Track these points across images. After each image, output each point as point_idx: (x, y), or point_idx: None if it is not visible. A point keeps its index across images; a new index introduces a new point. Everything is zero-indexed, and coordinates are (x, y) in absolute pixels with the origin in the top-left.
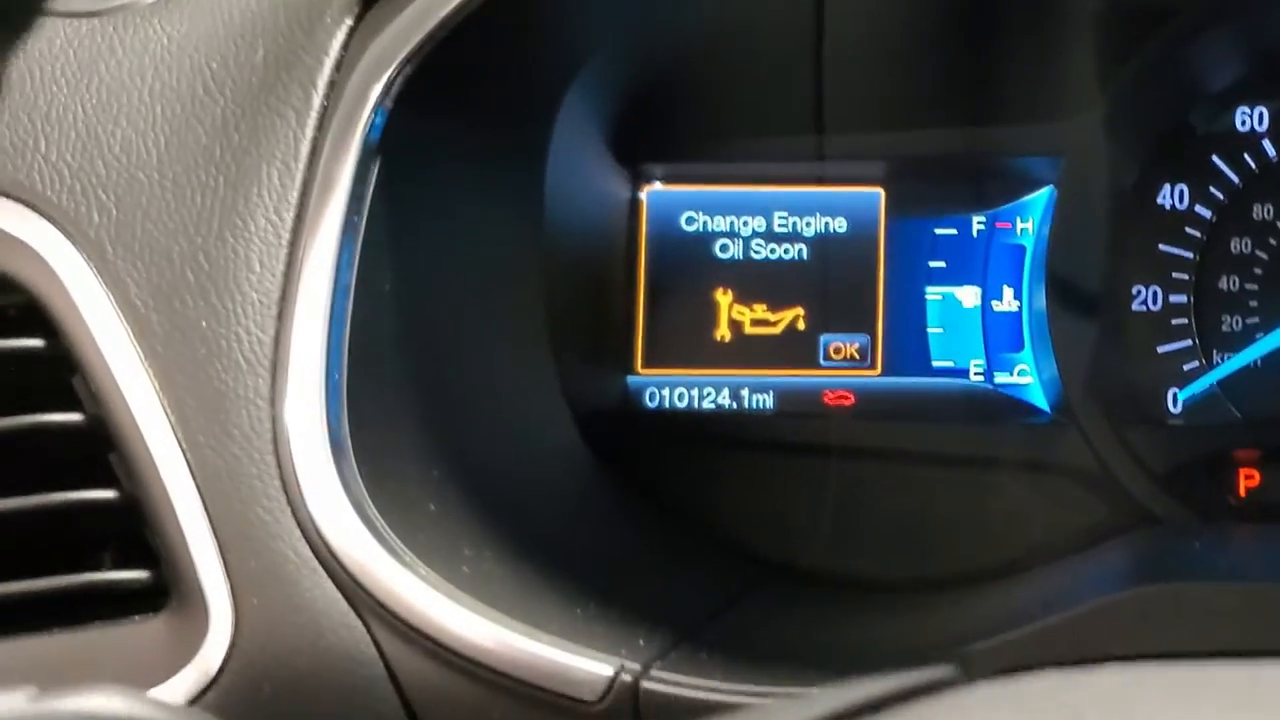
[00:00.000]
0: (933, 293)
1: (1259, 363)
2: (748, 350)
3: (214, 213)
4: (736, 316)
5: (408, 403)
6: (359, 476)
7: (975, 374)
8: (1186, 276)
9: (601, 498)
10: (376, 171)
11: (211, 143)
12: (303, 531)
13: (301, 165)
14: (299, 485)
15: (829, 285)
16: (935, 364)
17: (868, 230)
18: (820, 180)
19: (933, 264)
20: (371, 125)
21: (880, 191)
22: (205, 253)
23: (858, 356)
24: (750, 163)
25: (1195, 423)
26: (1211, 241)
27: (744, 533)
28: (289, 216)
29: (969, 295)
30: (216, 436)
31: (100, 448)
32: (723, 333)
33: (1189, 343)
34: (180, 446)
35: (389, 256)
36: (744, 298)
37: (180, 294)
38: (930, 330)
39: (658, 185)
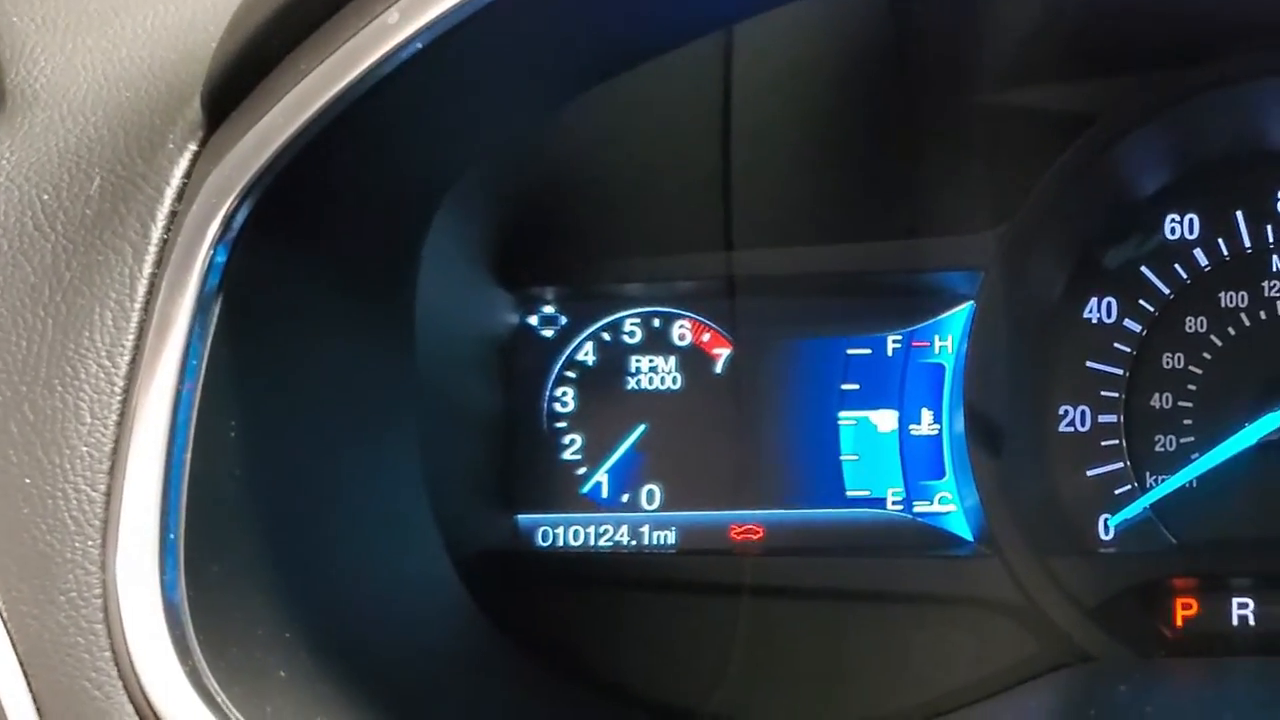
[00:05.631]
0: (846, 417)
1: (1194, 483)
2: None
3: (41, 359)
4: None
5: (256, 560)
6: (198, 645)
7: (893, 503)
8: (1116, 394)
9: (485, 650)
10: (218, 310)
11: (40, 282)
12: (134, 707)
13: (138, 306)
14: (130, 656)
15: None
16: (850, 493)
17: (776, 351)
18: (728, 299)
19: (845, 386)
20: (211, 262)
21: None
22: (31, 403)
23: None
24: (651, 283)
25: (1128, 550)
26: (1142, 357)
27: (645, 680)
28: (123, 362)
29: (885, 419)
30: (40, 604)
31: None
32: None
33: (1120, 465)
34: (1, 616)
35: (233, 401)
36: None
37: (3, 448)
38: (844, 457)
39: (547, 309)
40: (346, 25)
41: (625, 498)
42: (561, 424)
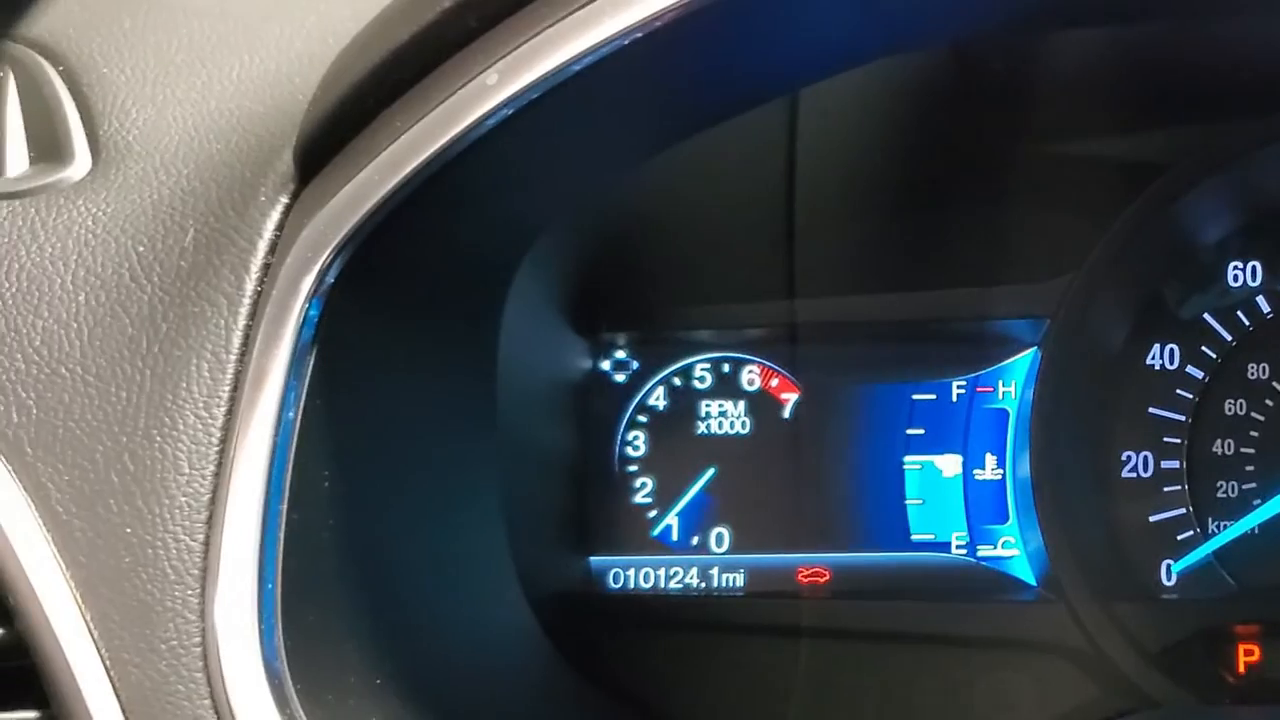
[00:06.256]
0: (911, 462)
1: (1256, 530)
2: None
3: (140, 409)
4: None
5: (349, 607)
6: (295, 695)
7: (957, 547)
8: (1179, 440)
9: (560, 688)
10: (313, 362)
11: (138, 333)
12: None
13: (233, 357)
14: (230, 705)
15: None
16: (915, 537)
17: (842, 396)
18: (795, 345)
19: (910, 431)
20: (305, 315)
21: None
22: (131, 453)
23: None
24: (721, 330)
25: (1190, 596)
26: (1204, 403)
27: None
28: (220, 413)
29: (950, 464)
30: (142, 653)
31: (22, 664)
32: None
33: (1182, 511)
34: (103, 663)
35: (327, 451)
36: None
37: (104, 498)
38: (909, 501)
39: (620, 355)
40: (444, 84)
41: (695, 540)
42: (633, 467)
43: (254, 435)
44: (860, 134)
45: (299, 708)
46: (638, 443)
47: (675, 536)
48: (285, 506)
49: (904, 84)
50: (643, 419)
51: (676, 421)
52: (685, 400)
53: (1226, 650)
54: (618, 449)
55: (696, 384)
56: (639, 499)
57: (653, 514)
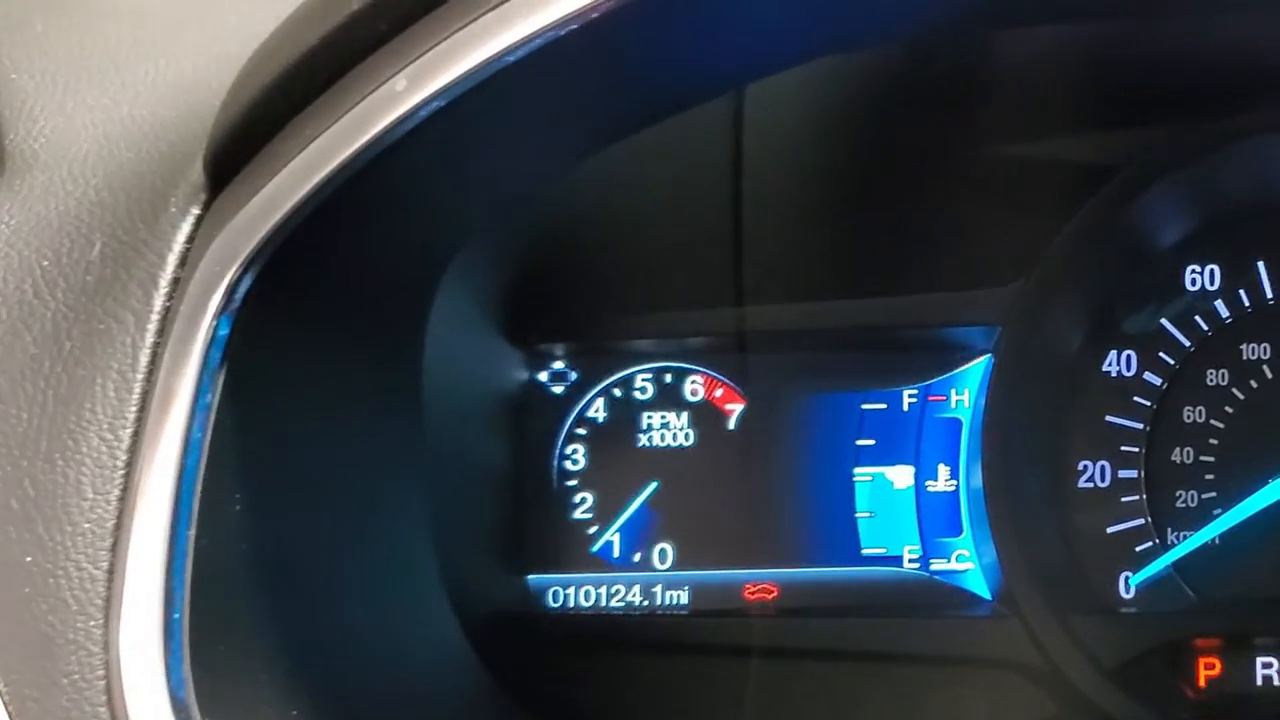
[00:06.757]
0: (861, 473)
1: (1217, 540)
2: None
3: (42, 432)
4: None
5: (262, 638)
6: None
7: (910, 561)
8: (1136, 449)
9: (496, 714)
10: (223, 380)
11: (40, 352)
12: None
13: (140, 377)
14: None
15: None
16: (865, 551)
17: (790, 407)
18: (740, 355)
19: (860, 442)
20: (215, 333)
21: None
22: (31, 477)
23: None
24: (663, 339)
25: (1149, 609)
26: (1162, 411)
27: None
28: (125, 435)
29: (901, 475)
30: (43, 687)
31: None
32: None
33: (1141, 521)
34: (2, 698)
35: (238, 474)
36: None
37: (2, 525)
38: (859, 515)
39: (557, 365)
40: (353, 90)
41: (637, 557)
42: (572, 482)
43: (160, 458)
44: (809, 134)
45: None
46: (577, 456)
47: (616, 553)
48: (194, 532)
49: (854, 83)
50: (582, 431)
51: (617, 434)
52: (626, 412)
53: (1187, 664)
54: (556, 463)
55: (637, 395)
56: (578, 514)
57: (593, 530)
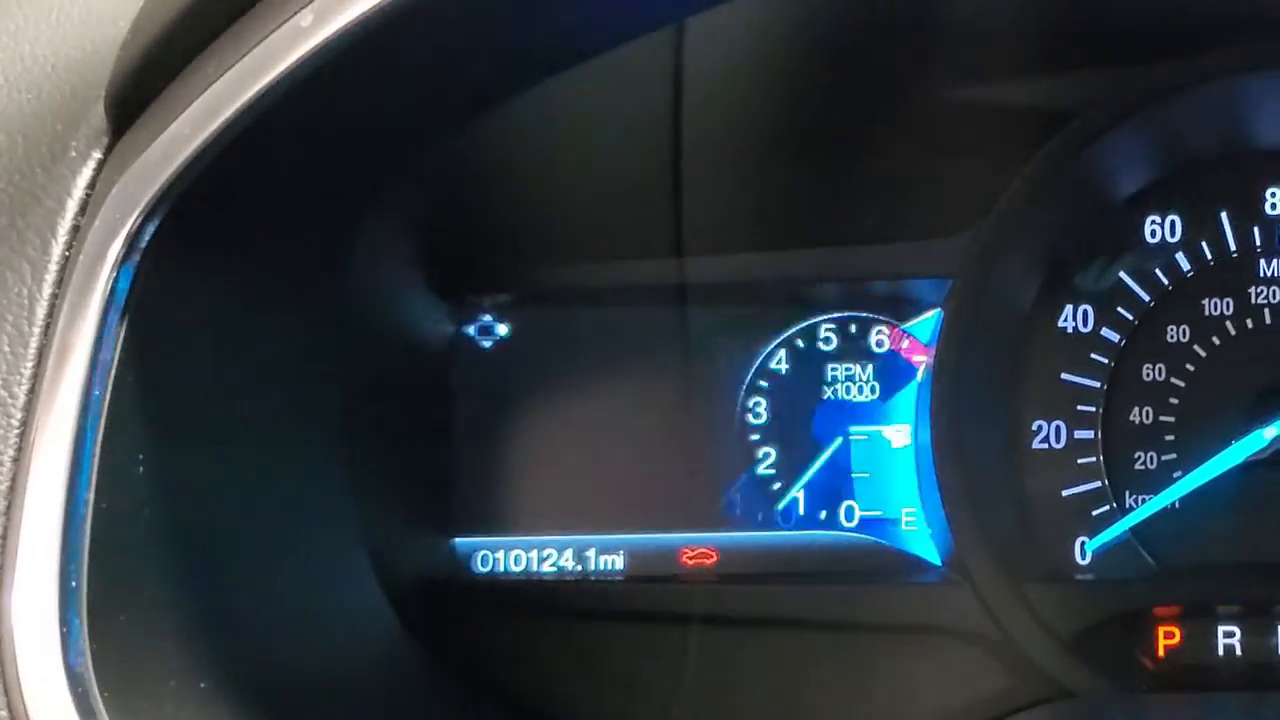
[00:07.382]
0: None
1: (1177, 504)
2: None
3: None
4: None
5: (168, 604)
6: (102, 705)
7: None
8: (1093, 408)
9: (420, 683)
10: (124, 333)
11: None
12: None
13: (37, 330)
14: (27, 716)
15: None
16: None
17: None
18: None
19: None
20: (115, 283)
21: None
22: None
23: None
24: (596, 290)
25: (1106, 576)
26: (1120, 369)
27: (593, 715)
28: (20, 392)
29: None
30: None
31: None
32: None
33: (1098, 484)
34: None
35: (141, 431)
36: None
37: None
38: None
39: (486, 319)
40: (257, 27)
41: (569, 519)
42: (502, 439)
43: (57, 416)
44: (753, 78)
45: (105, 717)
46: (509, 413)
47: (548, 514)
48: (93, 494)
49: (801, 19)
50: (513, 387)
51: (551, 388)
52: (561, 366)
53: (1145, 633)
54: (485, 419)
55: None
56: (509, 475)
57: (524, 491)
